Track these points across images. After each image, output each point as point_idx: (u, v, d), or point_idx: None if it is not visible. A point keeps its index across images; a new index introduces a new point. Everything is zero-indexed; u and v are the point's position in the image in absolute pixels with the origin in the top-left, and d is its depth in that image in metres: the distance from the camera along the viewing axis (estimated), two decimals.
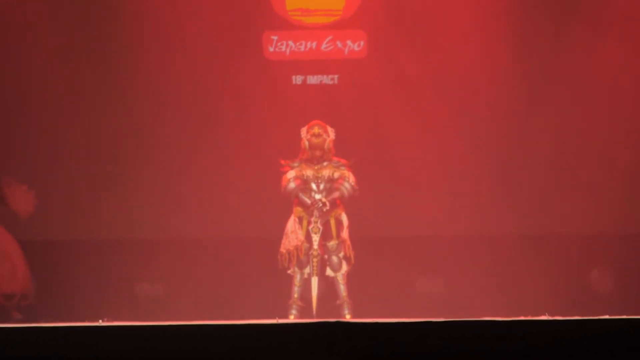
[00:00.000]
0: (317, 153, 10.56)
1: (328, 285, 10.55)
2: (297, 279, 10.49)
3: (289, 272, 10.50)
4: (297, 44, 12.07)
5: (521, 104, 11.94)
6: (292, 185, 10.55)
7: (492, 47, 11.91)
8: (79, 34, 11.97)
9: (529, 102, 11.92)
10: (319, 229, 10.48)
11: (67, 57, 11.92)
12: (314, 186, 10.54)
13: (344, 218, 10.55)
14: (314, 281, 10.45)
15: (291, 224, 10.51)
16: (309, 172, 10.56)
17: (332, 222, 10.53)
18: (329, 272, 10.51)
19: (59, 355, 7.00)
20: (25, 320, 10.20)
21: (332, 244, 10.50)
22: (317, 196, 10.51)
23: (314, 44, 12.08)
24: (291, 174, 10.57)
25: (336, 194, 10.54)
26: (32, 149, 11.76)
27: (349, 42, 12.05)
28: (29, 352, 7.00)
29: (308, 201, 10.50)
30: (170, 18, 11.93)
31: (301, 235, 10.45)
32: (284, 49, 12.08)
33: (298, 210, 10.54)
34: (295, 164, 10.60)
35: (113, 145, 11.85)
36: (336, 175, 10.56)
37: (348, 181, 10.55)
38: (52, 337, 7.14)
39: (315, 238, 10.46)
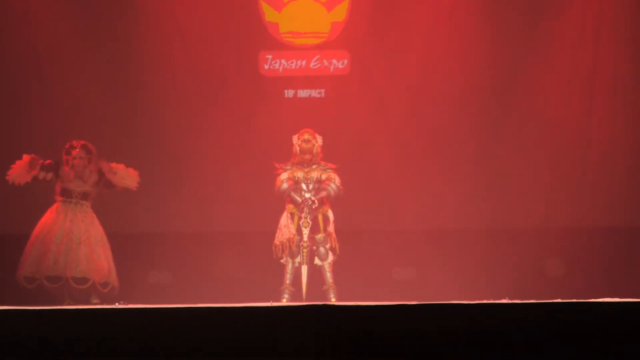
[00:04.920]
0: (307, 157, 10.58)
1: (316, 273, 10.56)
2: (289, 267, 10.51)
3: (282, 261, 10.53)
4: (289, 62, 12.07)
5: (489, 114, 11.94)
6: (285, 185, 10.57)
7: (464, 66, 11.93)
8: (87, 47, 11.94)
9: (497, 111, 11.94)
10: (309, 223, 10.50)
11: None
12: (304, 186, 10.56)
13: (330, 214, 10.58)
14: (304, 269, 10.48)
15: (284, 219, 10.54)
16: (299, 174, 10.57)
17: (320, 217, 10.56)
18: (317, 261, 10.54)
19: (83, 333, 7.01)
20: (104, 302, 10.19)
21: (319, 236, 10.52)
22: (307, 195, 10.53)
23: (304, 62, 12.08)
24: (284, 175, 10.59)
25: (323, 193, 10.57)
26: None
27: (334, 61, 12.05)
28: (53, 331, 7.02)
29: (299, 199, 10.52)
30: (178, 40, 11.91)
31: (293, 229, 10.47)
32: (277, 67, 12.07)
33: (290, 207, 10.57)
34: (288, 167, 10.62)
35: (124, 152, 11.77)
36: (323, 177, 10.58)
37: (334, 182, 10.58)
38: (76, 317, 7.20)
39: (305, 231, 10.48)
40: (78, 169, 10.47)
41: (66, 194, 10.48)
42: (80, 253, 10.34)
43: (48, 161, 10.52)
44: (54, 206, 10.51)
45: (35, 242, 10.37)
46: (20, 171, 10.45)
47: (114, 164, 10.58)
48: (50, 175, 10.47)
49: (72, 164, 10.47)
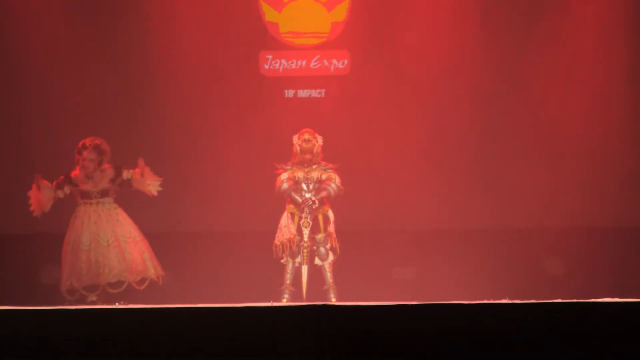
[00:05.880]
0: (307, 157, 10.59)
1: (316, 273, 10.57)
2: (289, 267, 10.52)
3: (282, 261, 10.53)
4: (289, 62, 12.07)
5: (489, 114, 11.91)
6: (285, 185, 10.57)
7: (464, 65, 11.91)
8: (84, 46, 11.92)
9: (497, 111, 11.90)
10: (309, 223, 10.50)
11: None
12: (304, 186, 10.57)
13: (331, 214, 10.58)
14: (304, 269, 10.48)
15: (284, 219, 10.55)
16: (300, 174, 10.58)
17: (320, 217, 10.56)
18: (317, 261, 10.55)
19: (83, 333, 7.02)
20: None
21: (320, 236, 10.53)
22: (307, 195, 10.54)
23: (304, 62, 12.08)
24: (284, 175, 10.60)
25: (324, 193, 10.57)
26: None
27: (334, 61, 12.05)
28: (53, 331, 7.02)
29: (299, 199, 10.53)
30: (178, 40, 11.90)
31: (293, 229, 10.47)
32: (277, 67, 12.07)
33: (290, 207, 10.57)
34: (288, 167, 10.62)
35: (124, 152, 11.74)
36: (324, 177, 10.59)
37: (334, 182, 10.58)
38: (76, 317, 7.21)
39: (306, 231, 10.49)
40: (87, 171, 10.43)
41: (85, 195, 10.47)
42: (110, 256, 10.32)
43: (61, 177, 10.52)
44: (77, 209, 10.50)
45: (66, 253, 10.37)
46: (39, 200, 10.43)
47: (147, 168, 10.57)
48: (68, 189, 10.47)
49: (82, 165, 10.43)
